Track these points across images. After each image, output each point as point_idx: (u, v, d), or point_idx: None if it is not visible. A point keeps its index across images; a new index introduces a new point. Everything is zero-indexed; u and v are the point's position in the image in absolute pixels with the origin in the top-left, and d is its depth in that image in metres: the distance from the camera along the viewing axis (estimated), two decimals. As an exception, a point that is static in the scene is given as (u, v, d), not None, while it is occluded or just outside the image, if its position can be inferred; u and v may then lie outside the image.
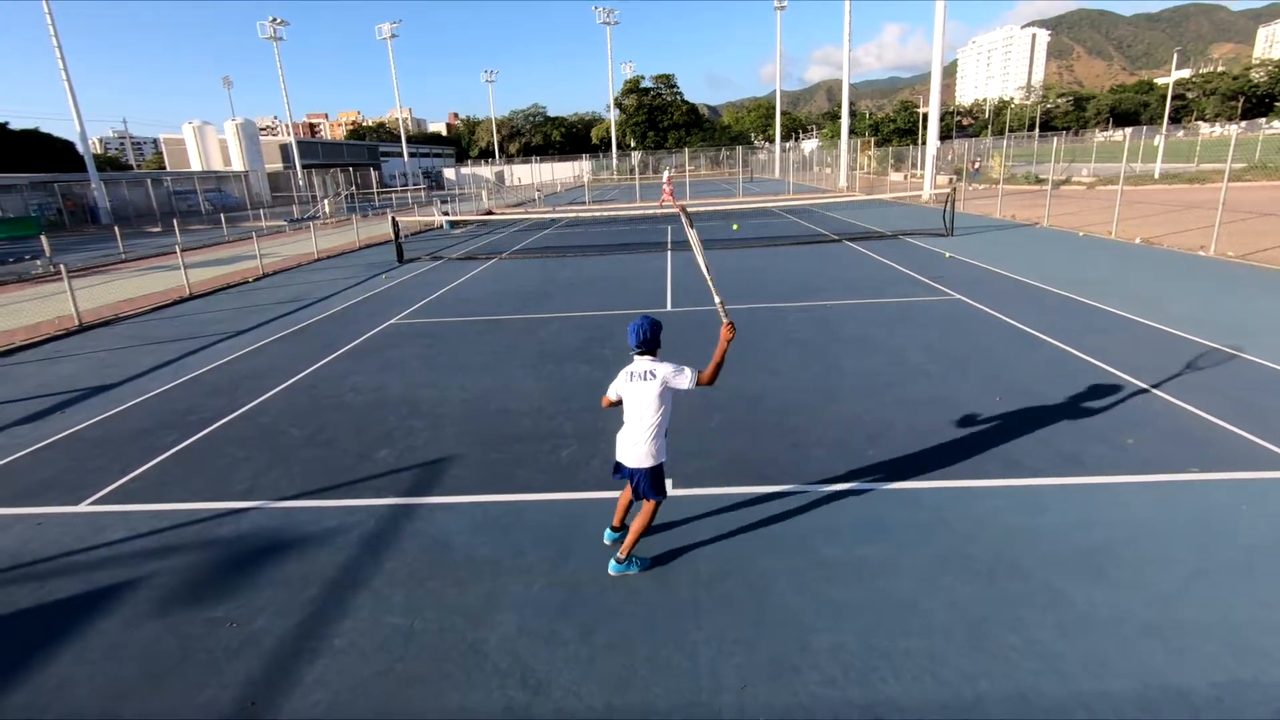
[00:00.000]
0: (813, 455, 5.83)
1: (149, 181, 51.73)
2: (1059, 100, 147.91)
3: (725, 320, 4.19)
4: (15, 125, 65.69)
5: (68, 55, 40.08)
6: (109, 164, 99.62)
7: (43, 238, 23.26)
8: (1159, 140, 39.63)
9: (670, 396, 4.11)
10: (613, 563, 4.31)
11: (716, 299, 4.47)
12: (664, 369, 4.04)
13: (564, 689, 3.38)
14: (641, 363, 4.11)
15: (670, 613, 3.91)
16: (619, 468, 4.31)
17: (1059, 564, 4.16)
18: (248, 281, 17.81)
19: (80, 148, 45.39)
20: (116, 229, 29.01)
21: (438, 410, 7.44)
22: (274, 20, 63.07)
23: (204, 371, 9.45)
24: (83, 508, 5.61)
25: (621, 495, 4.63)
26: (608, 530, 4.69)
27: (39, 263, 21.82)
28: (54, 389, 9.02)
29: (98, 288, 17.56)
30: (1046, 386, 7.14)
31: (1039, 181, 33.95)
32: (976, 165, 44.20)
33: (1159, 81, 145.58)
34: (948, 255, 15.80)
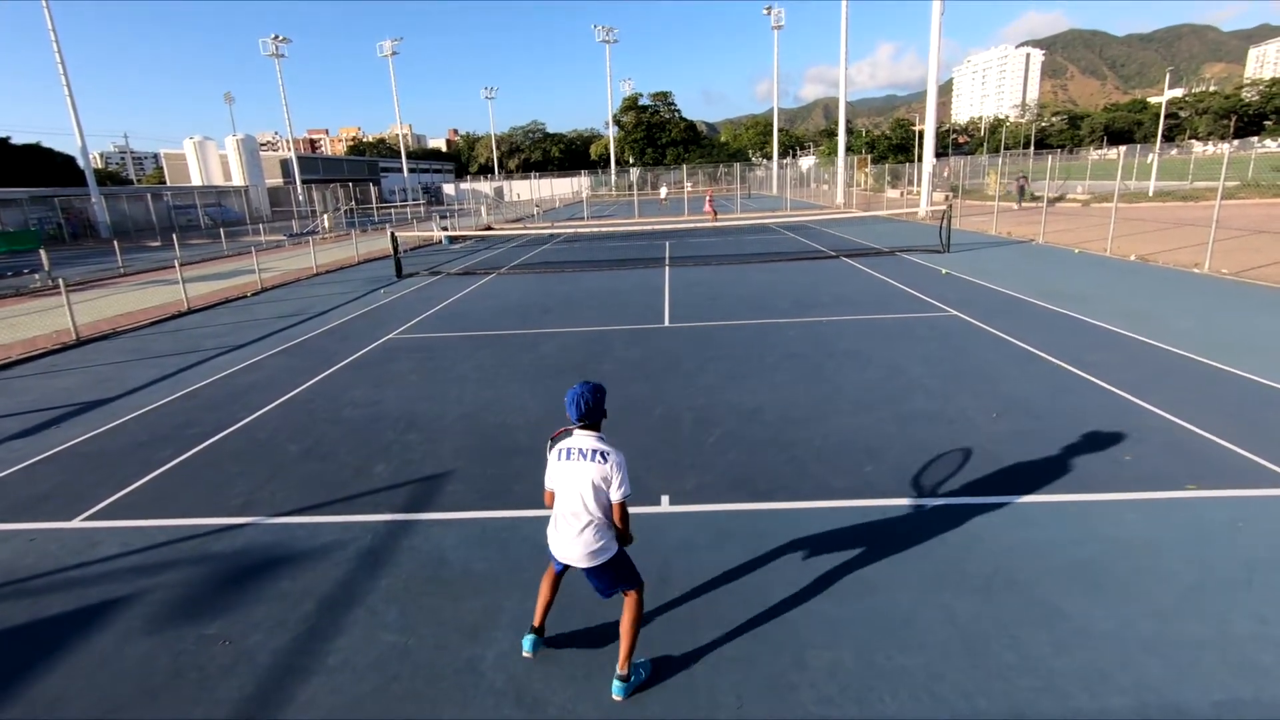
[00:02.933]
0: (810, 471, 5.83)
1: (149, 196, 51.98)
2: (1054, 119, 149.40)
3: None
4: (17, 140, 66.13)
5: (70, 70, 40.40)
6: (109, 178, 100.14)
7: (42, 252, 23.29)
8: (1153, 158, 39.98)
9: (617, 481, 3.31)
10: (616, 684, 3.36)
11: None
12: (615, 455, 3.31)
13: (560, 707, 3.36)
14: (584, 438, 3.35)
15: (666, 629, 3.89)
16: (557, 564, 3.60)
17: (1056, 580, 4.15)
18: (246, 296, 17.84)
19: (81, 162, 45.63)
20: (116, 243, 29.09)
21: (435, 425, 7.43)
22: (276, 38, 63.67)
23: (201, 386, 9.44)
24: (76, 523, 5.59)
25: (543, 589, 3.72)
26: (528, 640, 3.65)
27: (38, 277, 21.85)
28: (50, 403, 9.00)
29: (96, 302, 17.57)
30: (1043, 402, 7.16)
31: (1034, 198, 34.20)
32: (1023, 181, 36.03)
33: (1152, 100, 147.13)
34: (944, 272, 15.88)
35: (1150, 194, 33.71)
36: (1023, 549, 4.51)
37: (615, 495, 3.30)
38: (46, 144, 70.39)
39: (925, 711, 3.21)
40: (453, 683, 3.56)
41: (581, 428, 3.40)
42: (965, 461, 5.85)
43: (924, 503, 5.19)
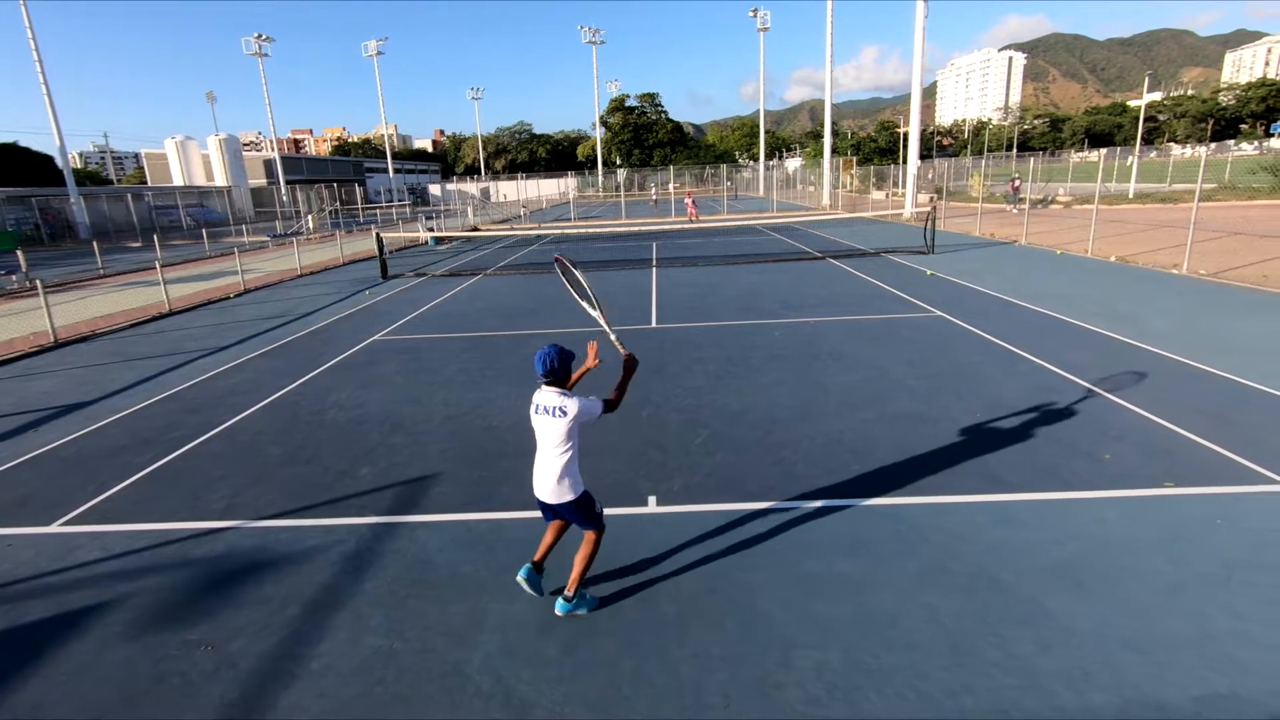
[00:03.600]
0: (796, 471, 5.86)
1: (129, 196, 51.19)
2: (1036, 121, 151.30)
3: (625, 353, 4.26)
4: (-7, 139, 64.83)
5: (48, 68, 39.77)
6: (89, 178, 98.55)
7: (19, 252, 22.89)
8: (1133, 161, 40.57)
9: (579, 429, 3.90)
10: (560, 602, 4.01)
11: (612, 336, 4.60)
12: (574, 404, 3.82)
13: (547, 709, 3.35)
14: (549, 395, 3.88)
15: (653, 630, 3.89)
16: (543, 507, 4.03)
17: (1038, 578, 4.19)
18: (229, 297, 17.64)
19: (60, 162, 44.86)
20: (95, 244, 28.65)
21: (420, 427, 7.38)
22: (259, 36, 63.03)
23: (183, 388, 9.33)
24: (54, 528, 5.50)
25: (547, 534, 4.28)
26: (524, 568, 4.20)
27: (14, 278, 21.46)
28: (27, 406, 8.86)
29: (75, 304, 17.30)
30: (1025, 402, 7.23)
31: (1026, 202, 34.58)
32: (1017, 184, 34.60)
33: (1132, 104, 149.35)
34: (929, 272, 16.02)
35: (1130, 196, 34.20)
36: (1006, 548, 4.55)
37: (595, 415, 3.91)
38: (24, 143, 69.31)
39: (912, 710, 3.23)
40: (439, 685, 3.54)
41: (548, 384, 3.92)
42: (949, 461, 5.89)
43: (909, 502, 5.23)
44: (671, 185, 53.33)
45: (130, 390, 9.39)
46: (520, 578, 4.18)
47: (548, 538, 4.28)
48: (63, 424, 8.07)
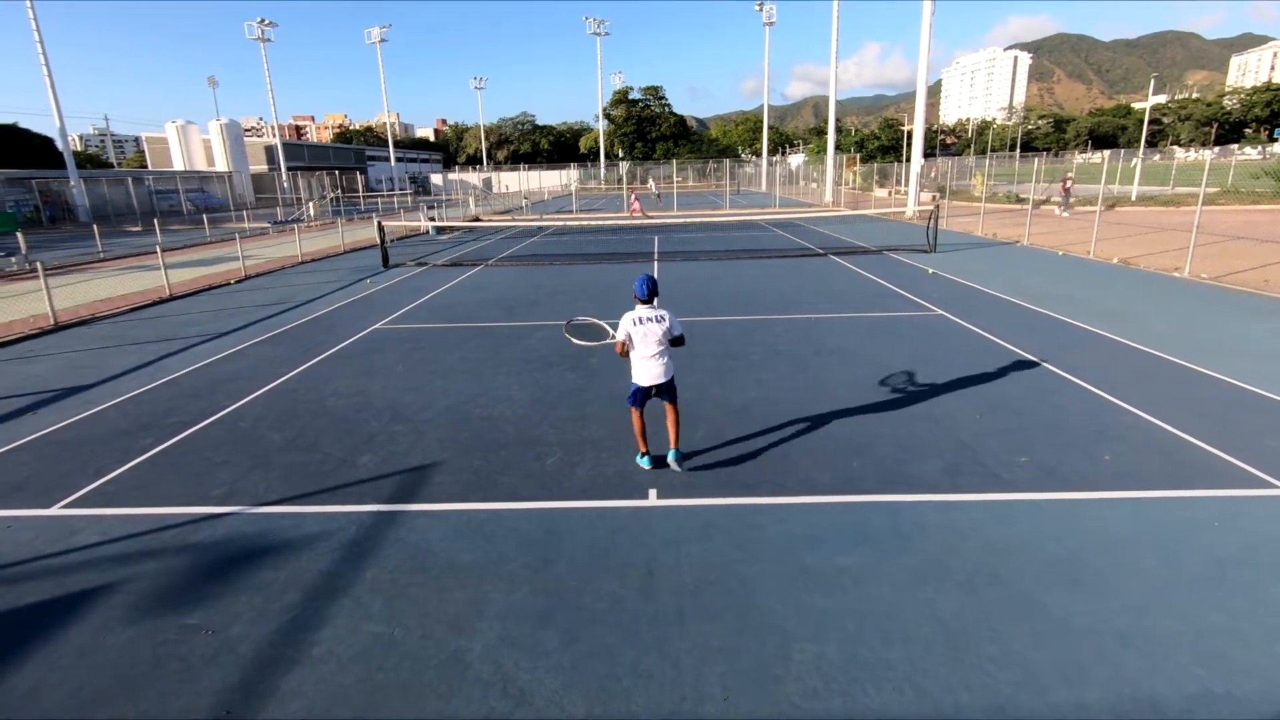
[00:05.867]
0: (797, 466, 5.87)
1: (130, 180, 51.07)
2: (1040, 121, 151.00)
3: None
4: (-7, 120, 64.54)
5: (49, 50, 39.53)
6: (89, 161, 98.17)
7: (19, 235, 22.80)
8: (1136, 163, 40.51)
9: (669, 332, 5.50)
10: (674, 453, 5.69)
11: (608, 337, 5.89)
12: (668, 314, 5.51)
13: (546, 698, 3.37)
14: (648, 309, 5.45)
15: (653, 621, 3.91)
16: (645, 393, 5.52)
17: (1036, 575, 4.21)
18: (230, 283, 17.61)
19: (60, 144, 44.65)
20: (95, 227, 28.57)
21: (421, 416, 7.39)
22: (262, 21, 62.72)
23: (183, 373, 9.32)
24: (54, 510, 5.50)
25: (638, 423, 5.68)
26: (643, 458, 5.81)
27: (14, 260, 21.38)
28: (27, 389, 8.85)
29: (75, 287, 17.26)
30: (1026, 402, 7.25)
31: (1020, 201, 34.56)
32: (1069, 184, 29.37)
33: (1136, 106, 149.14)
34: (931, 271, 16.02)
35: (1133, 198, 34.17)
36: (1005, 545, 4.57)
37: (678, 332, 5.60)
38: (24, 125, 68.90)
39: (909, 705, 3.25)
40: (439, 674, 3.56)
41: (644, 302, 5.50)
42: (949, 459, 5.91)
43: (908, 499, 5.24)
44: (675, 179, 53.22)
45: (130, 374, 9.38)
46: (646, 465, 5.81)
47: (641, 423, 5.72)
48: (62, 407, 8.07)
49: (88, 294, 16.18)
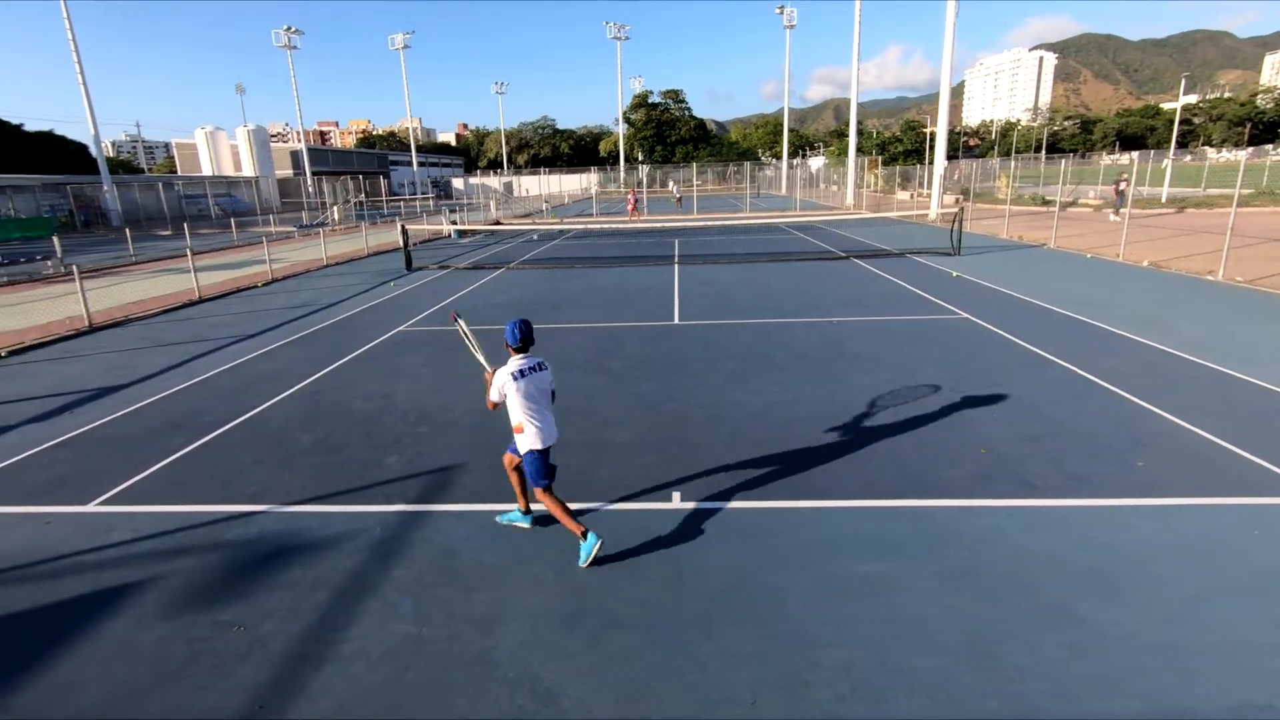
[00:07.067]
0: (821, 470, 5.83)
1: (160, 185, 52.23)
2: (1066, 123, 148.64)
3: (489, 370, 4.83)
4: (30, 127, 66.37)
5: (84, 57, 40.55)
6: (121, 167, 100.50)
7: (54, 238, 23.43)
8: (1167, 164, 39.70)
9: None
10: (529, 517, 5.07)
11: (481, 359, 5.12)
12: (543, 360, 4.85)
13: (572, 699, 3.37)
14: (523, 359, 4.68)
15: (680, 624, 3.91)
16: (547, 458, 4.66)
17: (1068, 584, 4.14)
18: (257, 286, 17.92)
19: (94, 150, 45.80)
20: (127, 231, 29.24)
21: (445, 418, 7.45)
22: (289, 29, 63.77)
23: (213, 374, 9.50)
24: (91, 507, 5.63)
25: (559, 506, 4.62)
26: (521, 514, 5.09)
27: (50, 263, 21.99)
28: (65, 388, 9.07)
29: (108, 289, 17.67)
30: (1055, 407, 7.13)
31: (1045, 203, 34.04)
32: (1123, 185, 26.08)
33: (1165, 106, 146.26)
34: (955, 274, 15.83)
35: (1163, 200, 33.50)
36: (1035, 553, 4.50)
37: (554, 384, 4.90)
38: (59, 131, 70.75)
39: (940, 712, 3.21)
40: (466, 673, 3.58)
41: (517, 351, 4.67)
42: (977, 465, 5.83)
43: (935, 504, 5.18)
44: (695, 182, 53.17)
45: (162, 375, 9.58)
46: (527, 524, 5.07)
47: (518, 479, 5.02)
48: (98, 406, 8.26)
49: (121, 296, 16.56)
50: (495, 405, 4.69)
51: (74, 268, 13.90)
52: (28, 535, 5.22)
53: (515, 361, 4.63)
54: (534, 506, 5.11)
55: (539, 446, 4.56)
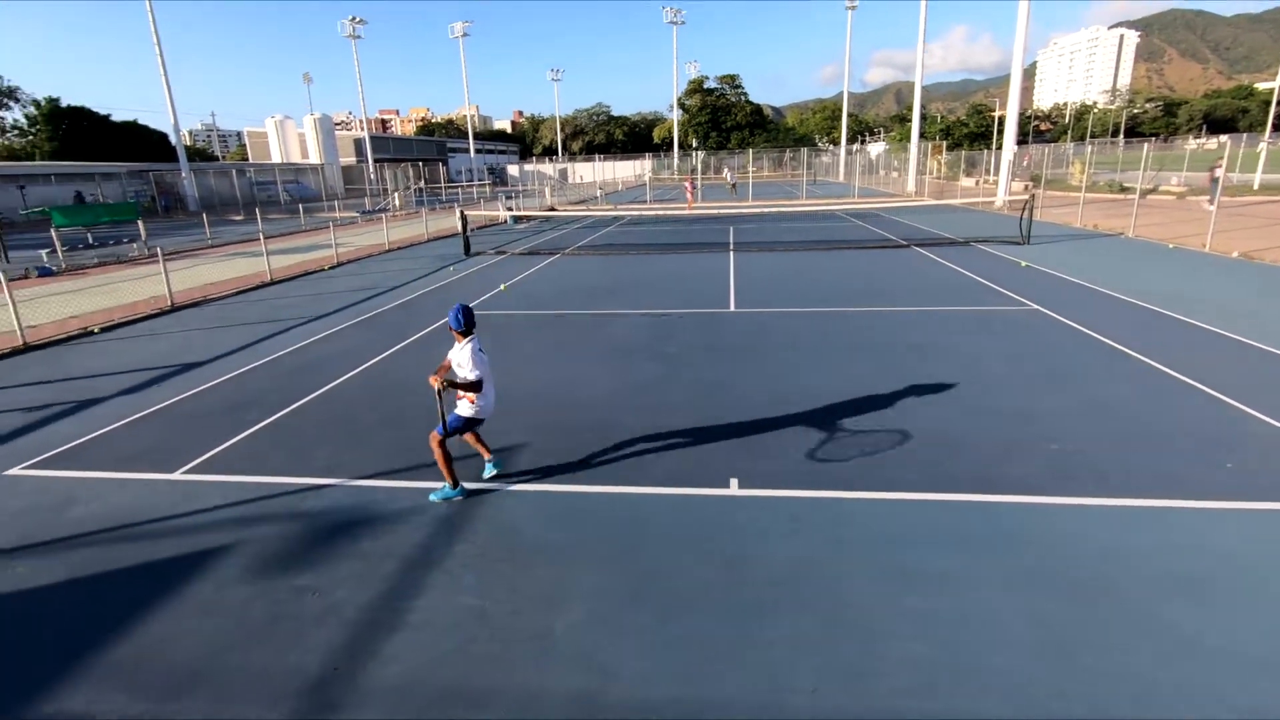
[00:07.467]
0: (888, 462, 5.69)
1: (234, 172, 54.57)
2: (1147, 105, 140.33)
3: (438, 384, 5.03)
4: (117, 118, 70.17)
5: (165, 52, 42.54)
6: (197, 155, 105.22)
7: (139, 223, 24.76)
8: (1262, 148, 37.01)
9: None
10: (496, 463, 5.74)
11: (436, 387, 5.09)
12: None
13: (633, 678, 3.40)
14: (474, 340, 5.18)
15: (743, 610, 3.88)
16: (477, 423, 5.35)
17: (1155, 588, 3.94)
18: (324, 269, 18.56)
19: (173, 139, 48.23)
20: (204, 216, 30.67)
21: (506, 399, 7.50)
22: (354, 19, 65.45)
23: (284, 354, 9.89)
24: (176, 475, 5.95)
25: (444, 456, 5.19)
26: (457, 490, 5.33)
27: (135, 246, 23.25)
28: (151, 364, 9.60)
29: (187, 271, 18.59)
30: (1135, 404, 6.78)
31: (1123, 190, 32.27)
32: (1218, 172, 23.22)
33: (1260, 86, 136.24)
34: (1024, 264, 15.18)
35: (1256, 187, 31.32)
36: (1120, 554, 4.29)
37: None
38: (142, 121, 74.59)
39: (1016, 712, 3.10)
40: (528, 648, 3.65)
41: (464, 335, 5.16)
42: (1052, 461, 5.60)
43: (1009, 500, 5.00)
44: (750, 168, 52.43)
45: (238, 353, 10.03)
46: (492, 473, 5.65)
47: (477, 443, 5.71)
48: (180, 381, 8.71)
49: (199, 278, 17.40)
50: (479, 380, 5.09)
51: (158, 250, 14.67)
52: (119, 500, 5.55)
53: (469, 343, 5.13)
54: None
55: (480, 417, 5.25)
